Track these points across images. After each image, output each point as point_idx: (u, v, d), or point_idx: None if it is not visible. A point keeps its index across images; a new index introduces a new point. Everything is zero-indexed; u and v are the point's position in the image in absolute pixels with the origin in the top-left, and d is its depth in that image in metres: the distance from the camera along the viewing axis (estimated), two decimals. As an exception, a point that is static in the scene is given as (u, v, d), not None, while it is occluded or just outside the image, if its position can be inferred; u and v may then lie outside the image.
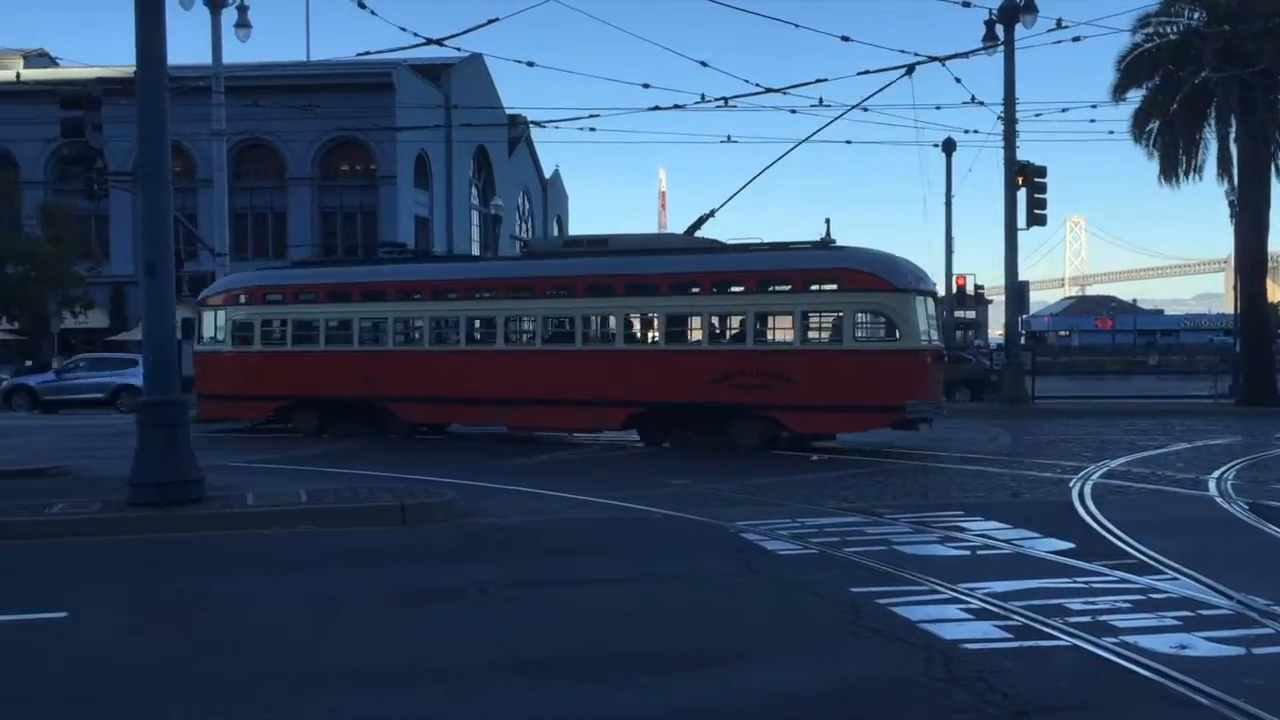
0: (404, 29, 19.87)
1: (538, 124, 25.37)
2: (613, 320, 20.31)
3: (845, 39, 19.23)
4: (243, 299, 23.78)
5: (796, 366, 18.77)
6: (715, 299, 19.60)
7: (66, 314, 43.43)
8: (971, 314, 47.86)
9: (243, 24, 28.37)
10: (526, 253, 24.16)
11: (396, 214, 51.55)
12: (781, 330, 19.28)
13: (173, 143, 12.96)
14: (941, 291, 31.18)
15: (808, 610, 7.66)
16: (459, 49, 22.41)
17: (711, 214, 22.00)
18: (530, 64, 20.83)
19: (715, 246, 20.91)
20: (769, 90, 20.98)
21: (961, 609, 7.54)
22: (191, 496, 11.73)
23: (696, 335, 19.80)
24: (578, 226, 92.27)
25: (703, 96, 21.24)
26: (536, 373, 20.60)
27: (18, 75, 43.32)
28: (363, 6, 19.42)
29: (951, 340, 44.66)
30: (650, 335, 20.39)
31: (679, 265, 20.26)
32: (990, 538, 10.25)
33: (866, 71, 20.63)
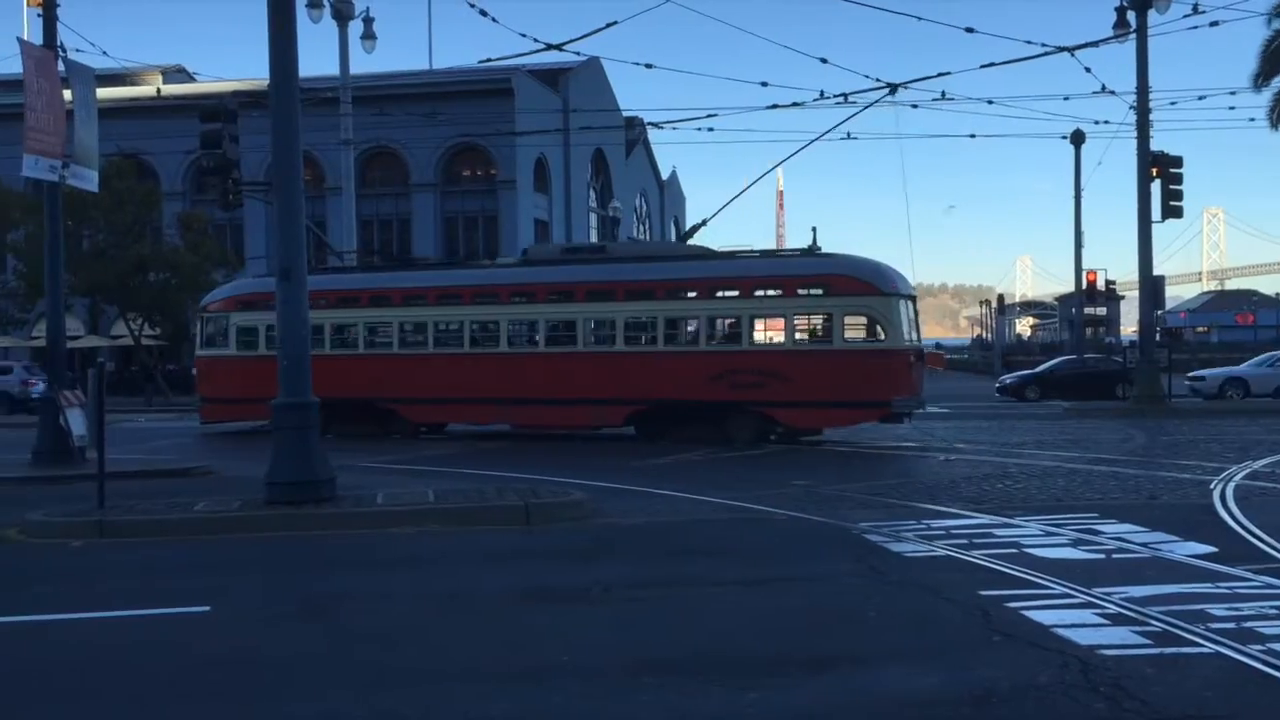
0: (524, 35, 20.03)
1: (655, 125, 25.55)
2: (614, 323, 21.40)
3: (969, 30, 18.81)
4: (246, 305, 24.58)
5: (789, 365, 20.05)
6: (711, 303, 20.94)
7: (205, 319, 45.13)
8: (1102, 310, 46.40)
9: (369, 35, 29.14)
10: (526, 260, 25.25)
11: (516, 218, 52.25)
12: (774, 331, 20.57)
13: (303, 152, 13.37)
14: (1071, 288, 30.37)
15: (935, 613, 7.52)
16: (578, 53, 22.51)
17: (704, 223, 23.66)
18: (648, 66, 20.91)
19: (709, 254, 22.29)
20: (889, 85, 20.64)
21: (1097, 614, 7.32)
22: (324, 496, 12.09)
23: (694, 337, 21.03)
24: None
25: (821, 93, 21.03)
26: (540, 373, 21.61)
27: (158, 91, 45.16)
28: (484, 14, 19.77)
29: (1081, 338, 43.37)
30: (650, 337, 21.43)
31: (676, 271, 21.58)
32: (1126, 541, 9.92)
33: (991, 64, 20.14)
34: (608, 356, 21.31)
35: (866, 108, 21.90)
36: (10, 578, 9.40)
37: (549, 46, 19.50)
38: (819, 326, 20.45)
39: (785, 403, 20.00)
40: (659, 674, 6.24)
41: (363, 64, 38.80)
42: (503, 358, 22.08)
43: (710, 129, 23.32)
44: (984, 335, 79.28)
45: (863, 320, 20.13)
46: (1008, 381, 37.71)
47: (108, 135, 19.15)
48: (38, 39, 17.65)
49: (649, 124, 51.37)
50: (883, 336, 19.89)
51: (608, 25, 19.02)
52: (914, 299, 21.39)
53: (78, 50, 19.29)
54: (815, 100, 21.18)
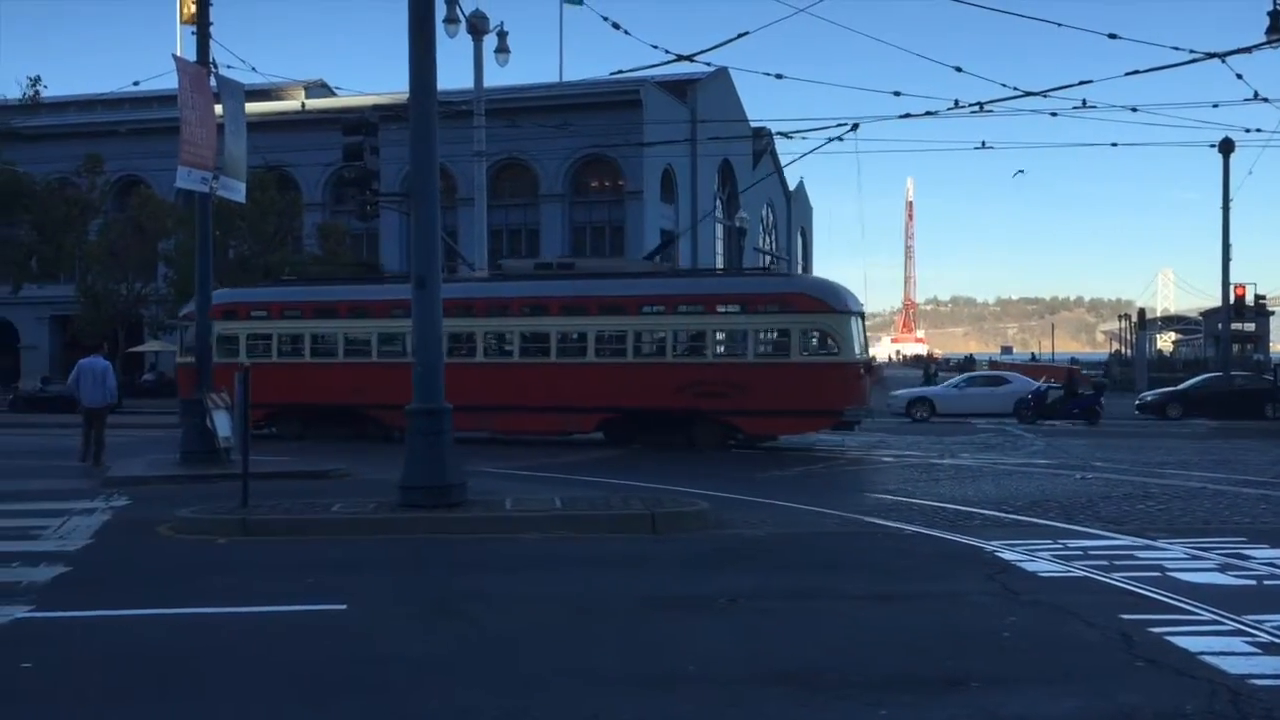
0: (655, 46, 20.13)
1: (784, 135, 25.32)
2: (585, 336, 22.84)
3: (1112, 36, 18.17)
4: (227, 314, 25.48)
5: (749, 377, 21.60)
6: (678, 318, 22.52)
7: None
8: (1250, 326, 44.41)
9: (502, 49, 29.70)
10: (500, 274, 26.50)
11: (643, 228, 52.56)
12: (736, 345, 22.22)
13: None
14: (1217, 302, 29.28)
15: (1073, 636, 7.30)
16: (708, 64, 22.51)
17: (674, 239, 25.15)
18: (778, 76, 20.79)
19: (676, 271, 24.80)
20: (1027, 94, 20.12)
21: (1248, 642, 7.01)
22: (455, 500, 12.33)
23: (660, 349, 22.60)
24: (821, 238, 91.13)
25: (956, 102, 20.59)
26: (514, 382, 22.86)
27: (302, 105, 46.72)
28: (617, 27, 19.93)
29: (1228, 355, 41.59)
30: (619, 349, 22.80)
31: (645, 288, 23.29)
32: (1278, 567, 9.48)
33: (1135, 72, 19.44)
34: (579, 367, 22.71)
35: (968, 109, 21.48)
36: (161, 572, 9.82)
37: (679, 58, 19.55)
38: (777, 341, 22.20)
39: (745, 411, 21.64)
40: (786, 685, 6.20)
41: (495, 77, 39.63)
42: (479, 367, 23.23)
43: (840, 139, 22.96)
44: (1122, 351, 76.67)
45: (817, 335, 21.83)
46: (1149, 399, 36.40)
47: (253, 148, 19.91)
48: (191, 56, 18.47)
49: (777, 134, 51.18)
50: (836, 350, 21.60)
51: (738, 36, 18.98)
52: (863, 316, 23.46)
53: (228, 67, 20.11)
54: (949, 109, 20.76)
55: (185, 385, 25.76)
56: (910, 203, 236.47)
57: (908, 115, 21.57)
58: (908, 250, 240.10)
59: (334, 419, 24.55)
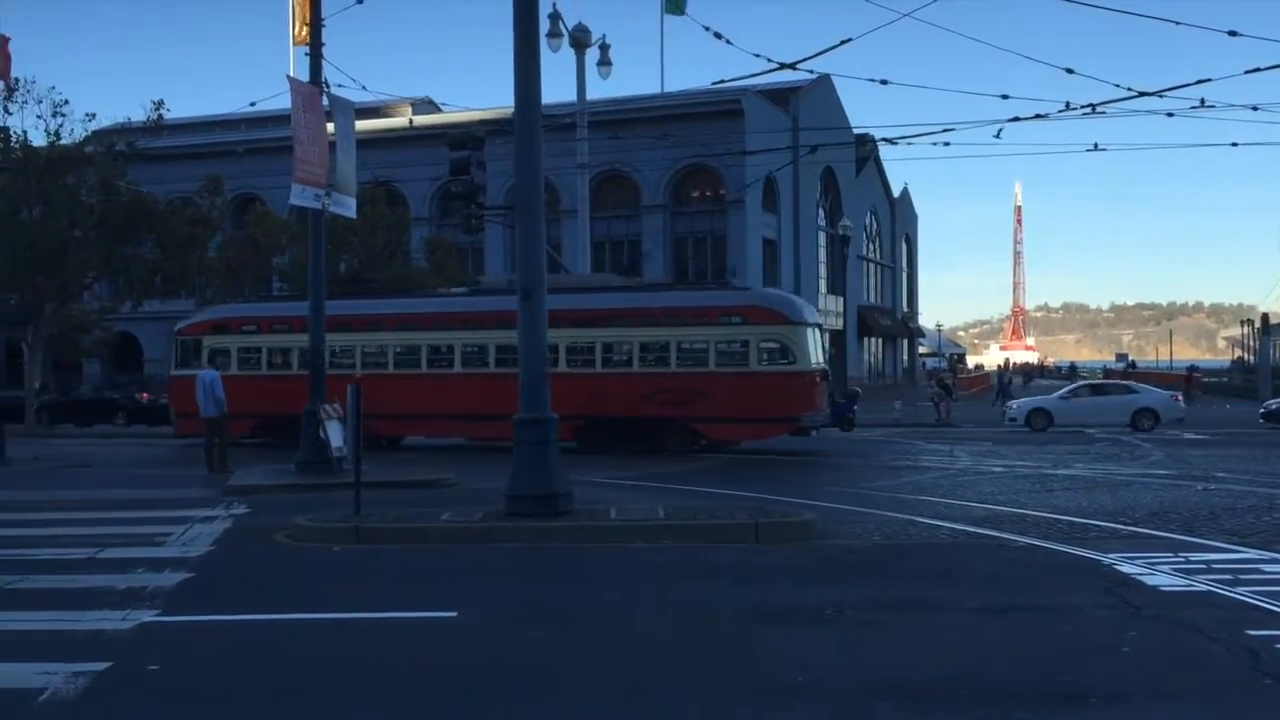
0: (757, 55, 20.07)
1: (888, 141, 24.97)
2: (556, 348, 23.08)
3: (1232, 34, 17.56)
4: (218, 329, 27.27)
5: (711, 386, 22.70)
6: (644, 330, 23.61)
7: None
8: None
9: (604, 62, 29.93)
10: (476, 290, 28.13)
11: (745, 237, 52.43)
12: (699, 356, 23.32)
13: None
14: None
15: (1197, 652, 7.06)
16: (810, 71, 22.39)
17: (643, 254, 25.70)
18: (883, 82, 20.55)
19: (642, 285, 25.99)
20: (1142, 94, 19.55)
21: (1385, 661, 6.70)
22: (561, 509, 12.44)
23: (628, 360, 23.77)
24: (927, 245, 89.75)
25: (1067, 104, 20.10)
26: (490, 391, 23.31)
27: (410, 121, 47.68)
28: (719, 36, 19.94)
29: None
30: (589, 360, 24.03)
31: (613, 301, 24.64)
32: None
33: (1256, 69, 18.77)
34: (551, 377, 22.79)
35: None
36: (279, 578, 10.11)
37: (781, 66, 19.46)
38: (737, 352, 23.17)
39: (708, 418, 22.76)
40: (896, 699, 6.11)
41: (598, 90, 39.97)
42: (456, 378, 24.57)
43: (946, 144, 22.67)
44: (1245, 357, 73.89)
45: (774, 346, 22.92)
46: (1273, 406, 34.99)
47: (363, 164, 20.42)
48: (304, 76, 19.00)
49: (880, 140, 50.60)
50: (792, 361, 22.75)
51: (842, 43, 18.83)
52: (820, 327, 24.86)
53: (339, 85, 20.68)
54: (1060, 112, 20.28)
55: (177, 398, 27.55)
56: (1019, 207, 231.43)
57: (1016, 119, 21.16)
58: (1016, 255, 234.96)
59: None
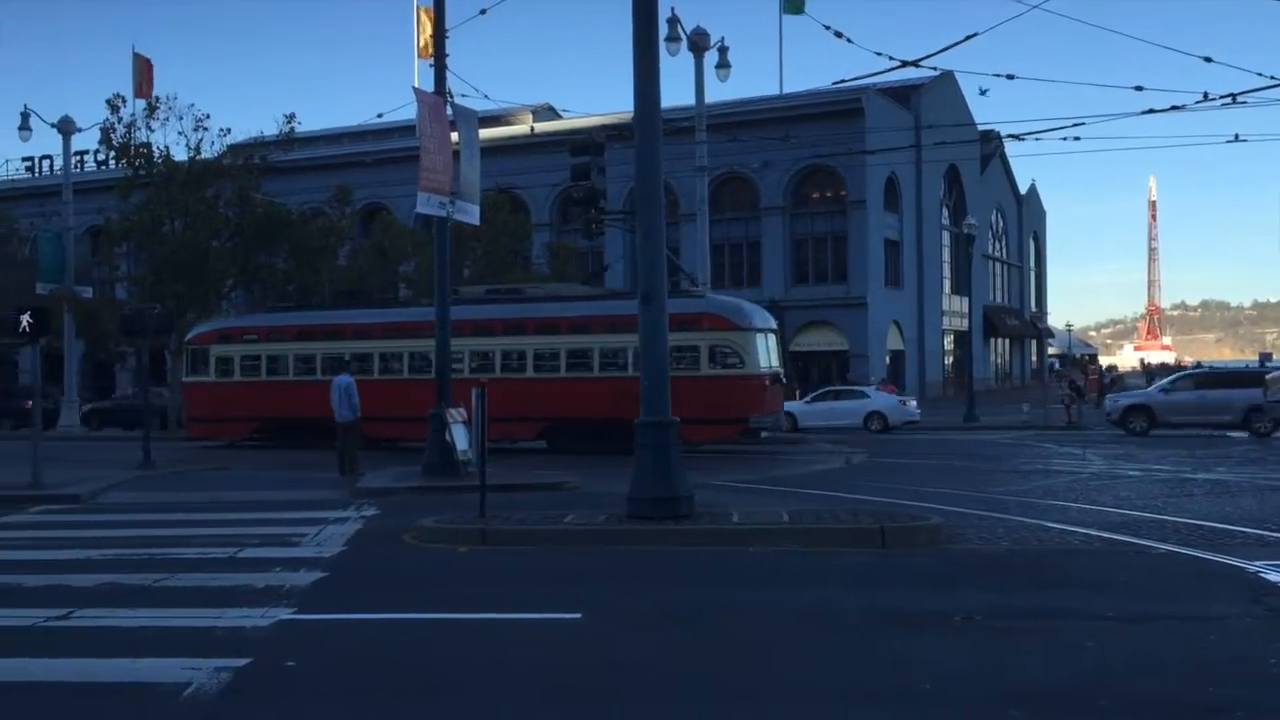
0: (879, 53, 19.81)
1: (1014, 138, 24.31)
2: (525, 354, 25.79)
3: (1381, 14, 16.64)
4: (224, 338, 29.03)
5: (677, 389, 22.15)
6: (605, 336, 24.93)
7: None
8: None
9: (723, 64, 29.87)
10: (457, 300, 28.49)
11: (866, 238, 51.76)
12: None
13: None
14: None
15: (1352, 666, 6.71)
16: (933, 68, 22.01)
17: (606, 267, 29.87)
18: (1010, 76, 20.11)
19: (607, 294, 27.80)
20: (1286, 81, 18.68)
21: None
22: (683, 512, 12.44)
23: (590, 365, 25.10)
24: (1056, 242, 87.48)
25: (1205, 95, 19.34)
26: (465, 396, 23.48)
27: (531, 129, 48.36)
28: (839, 35, 19.74)
29: None
30: (554, 365, 25.56)
31: (576, 309, 26.05)
32: None
33: None
34: (521, 381, 25.43)
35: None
36: (408, 578, 10.34)
37: (904, 63, 19.17)
38: (689, 356, 24.16)
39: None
40: (1027, 708, 5.96)
41: (716, 92, 39.92)
42: (433, 383, 25.31)
43: (1076, 138, 21.87)
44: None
45: (724, 351, 24.18)
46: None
47: (486, 172, 20.78)
48: (429, 87, 19.43)
49: (1006, 136, 49.41)
50: (741, 365, 24.03)
51: (967, 38, 18.46)
52: (775, 332, 26.24)
53: (462, 95, 21.05)
54: (1197, 103, 19.53)
55: (192, 404, 30.03)
56: (1153, 202, 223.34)
57: (1151, 111, 20.45)
58: (1151, 252, 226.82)
59: (315, 431, 26.74)
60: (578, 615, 8.42)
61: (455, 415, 18.39)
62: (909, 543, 11.49)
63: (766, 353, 24.96)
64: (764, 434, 25.63)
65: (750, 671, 6.85)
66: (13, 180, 64.30)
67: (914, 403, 36.96)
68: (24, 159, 65.14)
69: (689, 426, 24.56)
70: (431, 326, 26.30)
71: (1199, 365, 50.61)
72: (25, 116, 39.54)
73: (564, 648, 7.55)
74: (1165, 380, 33.19)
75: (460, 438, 18.07)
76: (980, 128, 55.44)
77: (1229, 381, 30.27)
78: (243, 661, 7.04)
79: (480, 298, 28.28)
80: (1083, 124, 21.80)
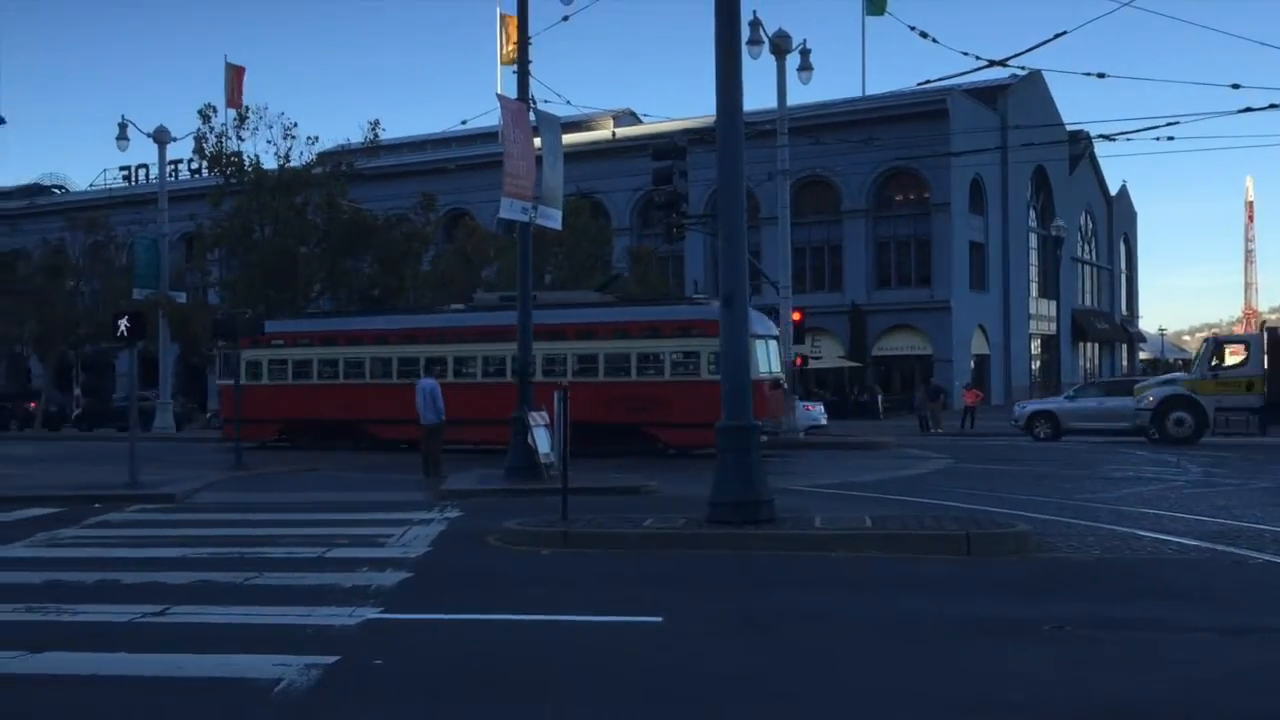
0: (965, 53, 19.54)
1: (1105, 138, 23.85)
2: (536, 358, 25.41)
3: None
4: (253, 343, 29.42)
5: (666, 394, 24.74)
6: (609, 342, 25.78)
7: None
8: None
9: (805, 67, 29.74)
10: (472, 307, 30.49)
11: (950, 241, 51.09)
12: (657, 366, 25.61)
13: (745, 184, 13.83)
14: None
15: None
16: (1022, 68, 21.64)
17: (617, 277, 29.90)
18: (1100, 75, 19.67)
19: (611, 300, 28.49)
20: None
21: None
22: (764, 517, 12.38)
23: (594, 370, 25.68)
24: (1147, 245, 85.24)
25: (1304, 91, 18.76)
26: (479, 400, 25.83)
27: (613, 134, 48.56)
28: (925, 36, 19.51)
29: None
30: (561, 369, 25.98)
31: (583, 316, 26.76)
32: None
33: None
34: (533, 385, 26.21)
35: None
36: (491, 580, 10.44)
37: (991, 63, 18.88)
38: (688, 362, 25.22)
39: (665, 424, 24.45)
40: (1121, 722, 5.82)
41: (798, 95, 39.72)
42: (450, 387, 25.65)
43: (1170, 138, 21.33)
44: None
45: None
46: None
47: (567, 177, 20.92)
48: (511, 93, 19.62)
49: (1096, 137, 48.42)
50: None
51: (1055, 36, 18.13)
52: (775, 339, 26.96)
53: (545, 101, 21.25)
54: (1297, 99, 18.93)
55: (225, 406, 31.18)
56: (1250, 203, 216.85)
57: (1248, 109, 19.91)
58: (1248, 254, 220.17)
59: (337, 433, 28.64)
60: (659, 619, 8.42)
61: (537, 419, 18.53)
62: (995, 550, 11.30)
63: (766, 359, 25.52)
64: (763, 438, 26.03)
65: (834, 679, 6.79)
66: (110, 189, 66.37)
67: (820, 407, 37.00)
68: (121, 168, 67.22)
69: (688, 430, 25.04)
70: (441, 332, 28.33)
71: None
72: (123, 127, 40.88)
73: (645, 651, 7.55)
74: (1071, 389, 35.40)
75: (542, 441, 18.20)
76: (1069, 128, 54.39)
77: (1128, 390, 31.91)
78: (331, 659, 7.17)
79: (494, 304, 29.17)
80: (1176, 123, 21.32)
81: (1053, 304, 57.86)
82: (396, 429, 26.99)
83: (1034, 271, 61.23)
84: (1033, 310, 60.82)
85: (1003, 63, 18.63)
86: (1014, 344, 57.99)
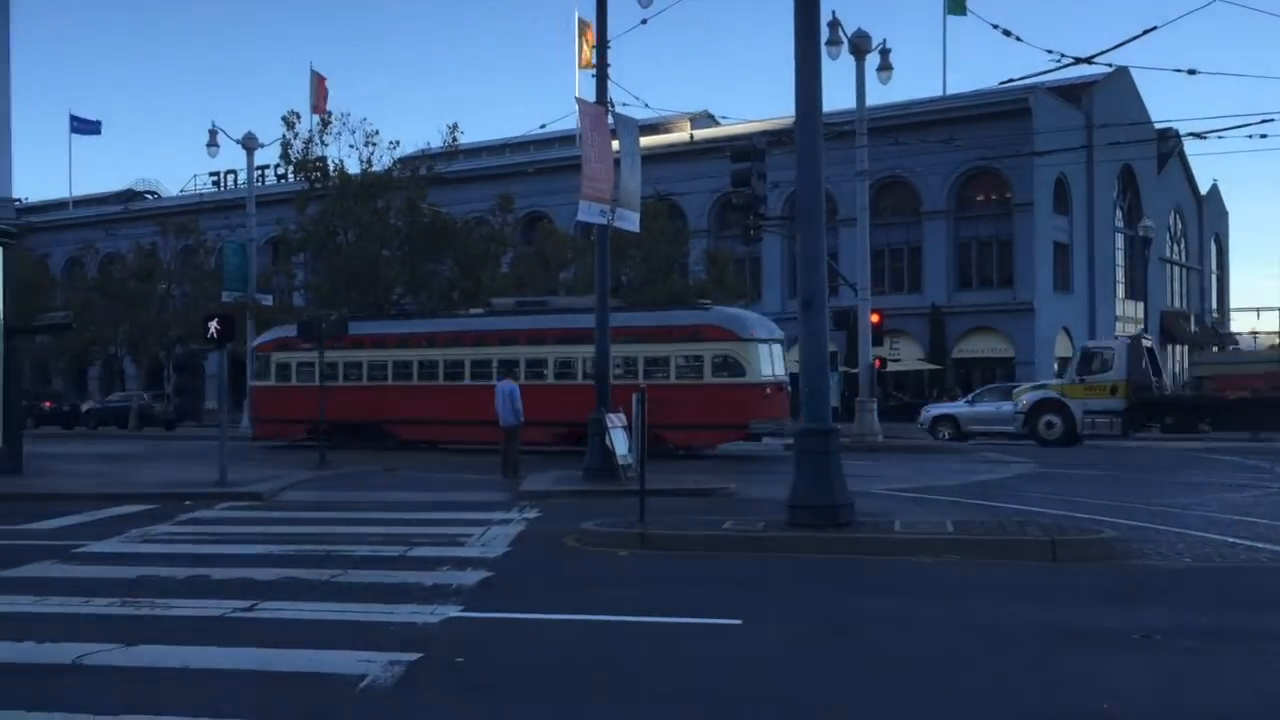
0: (1050, 51, 19.18)
1: (1195, 136, 23.24)
2: (546, 361, 27.48)
3: None
4: (283, 347, 30.86)
5: (672, 396, 24.69)
6: (619, 346, 25.03)
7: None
8: None
9: (884, 67, 29.47)
10: (490, 311, 31.35)
11: (1033, 241, 50.15)
12: (663, 368, 26.47)
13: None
14: None
15: None
16: (1109, 64, 21.20)
17: (625, 283, 30.35)
18: (1190, 72, 19.19)
19: (622, 306, 28.87)
20: None
21: None
22: (843, 520, 12.29)
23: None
24: (1240, 245, 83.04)
25: None
26: (492, 402, 25.71)
27: (690, 136, 48.53)
28: (1008, 34, 19.21)
29: None
30: (573, 372, 26.93)
31: (589, 320, 25.18)
32: None
33: None
34: (542, 388, 26.81)
35: None
36: (569, 580, 10.51)
37: (1076, 60, 18.52)
38: (693, 365, 25.95)
39: (670, 425, 24.36)
40: (1216, 734, 5.67)
41: (877, 95, 39.34)
42: (466, 389, 28.01)
43: (1264, 135, 20.71)
44: None
45: (725, 360, 25.50)
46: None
47: (644, 179, 20.99)
48: (589, 96, 19.73)
49: (1186, 135, 47.16)
50: (742, 373, 25.33)
51: (1144, 32, 17.73)
52: (780, 342, 27.12)
53: (623, 104, 21.33)
54: (1399, 93, 18.27)
55: (258, 405, 32.63)
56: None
57: (1347, 104, 19.17)
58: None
59: (362, 433, 29.57)
60: (738, 621, 8.40)
61: (615, 420, 18.60)
62: (1081, 556, 11.09)
63: (770, 362, 26.37)
64: (764, 440, 27.04)
65: (917, 686, 6.71)
66: (200, 194, 68.01)
67: None
68: (210, 174, 68.78)
69: (692, 431, 26.01)
70: (460, 336, 29.37)
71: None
72: (213, 134, 41.90)
73: (724, 653, 7.54)
74: (971, 395, 36.88)
75: (620, 443, 18.26)
76: (1157, 126, 53.11)
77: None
78: (414, 656, 7.27)
79: (510, 309, 30.56)
80: (1271, 120, 20.69)
81: (1140, 306, 56.51)
82: (415, 429, 28.53)
83: (1120, 273, 59.85)
84: (1119, 312, 59.47)
85: (1088, 60, 18.27)
86: (1099, 347, 56.76)
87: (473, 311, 33.59)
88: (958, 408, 34.50)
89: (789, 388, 28.22)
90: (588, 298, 32.89)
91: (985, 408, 33.61)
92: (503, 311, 30.59)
